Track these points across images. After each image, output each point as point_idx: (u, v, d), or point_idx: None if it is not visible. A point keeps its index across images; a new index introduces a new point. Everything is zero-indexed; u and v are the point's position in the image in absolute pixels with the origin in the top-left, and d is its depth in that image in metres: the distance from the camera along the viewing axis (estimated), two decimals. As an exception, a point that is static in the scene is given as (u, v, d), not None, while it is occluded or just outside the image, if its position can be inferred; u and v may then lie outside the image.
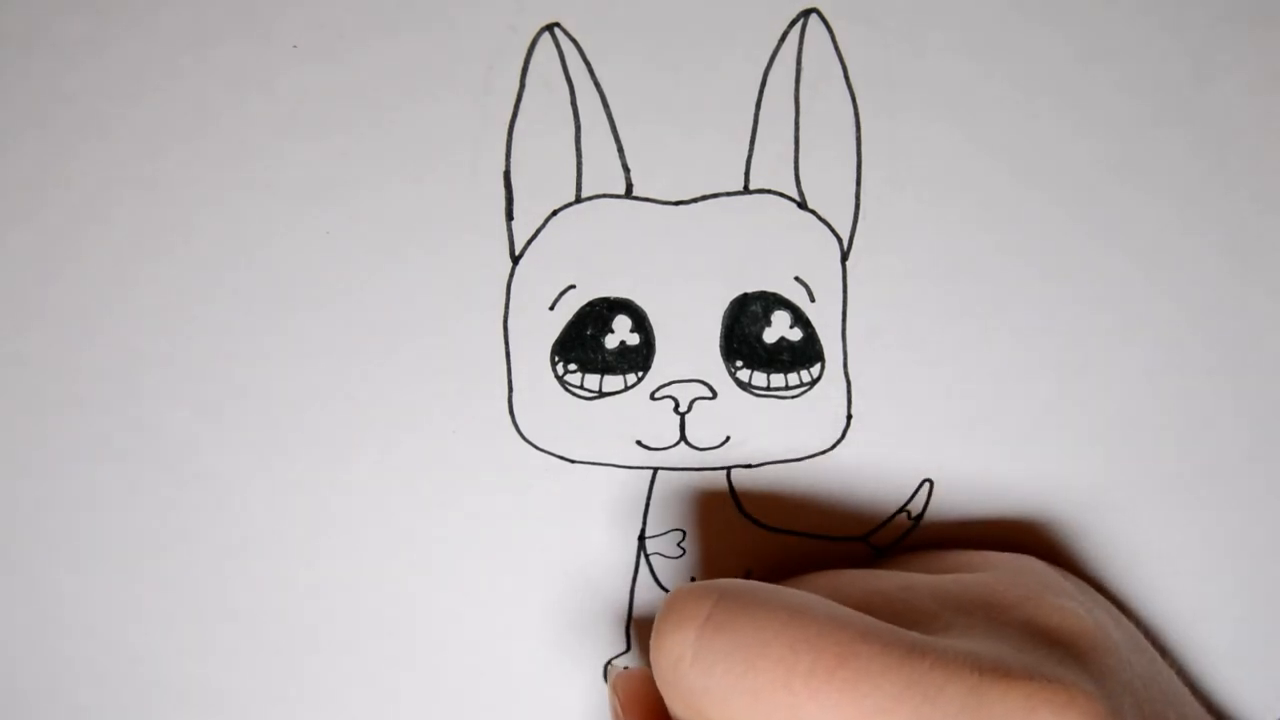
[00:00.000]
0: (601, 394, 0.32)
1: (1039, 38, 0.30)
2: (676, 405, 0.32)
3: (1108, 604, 0.31)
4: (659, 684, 0.26)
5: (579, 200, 0.31)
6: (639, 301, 0.31)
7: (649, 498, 0.33)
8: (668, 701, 0.26)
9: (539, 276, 0.31)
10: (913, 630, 0.25)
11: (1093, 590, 0.31)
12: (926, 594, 0.27)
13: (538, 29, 0.30)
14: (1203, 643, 0.33)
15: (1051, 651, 0.25)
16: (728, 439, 0.32)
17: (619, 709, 0.28)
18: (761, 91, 0.30)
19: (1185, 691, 0.30)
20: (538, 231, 0.31)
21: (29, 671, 0.34)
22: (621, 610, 0.34)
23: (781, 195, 0.31)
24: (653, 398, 0.32)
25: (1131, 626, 0.31)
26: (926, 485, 0.32)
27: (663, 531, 0.33)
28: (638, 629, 0.34)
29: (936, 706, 0.23)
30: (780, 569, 0.33)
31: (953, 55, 0.30)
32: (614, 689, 0.29)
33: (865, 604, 0.26)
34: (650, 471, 0.32)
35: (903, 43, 0.30)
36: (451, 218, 0.31)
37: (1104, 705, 0.23)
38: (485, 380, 0.32)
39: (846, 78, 0.30)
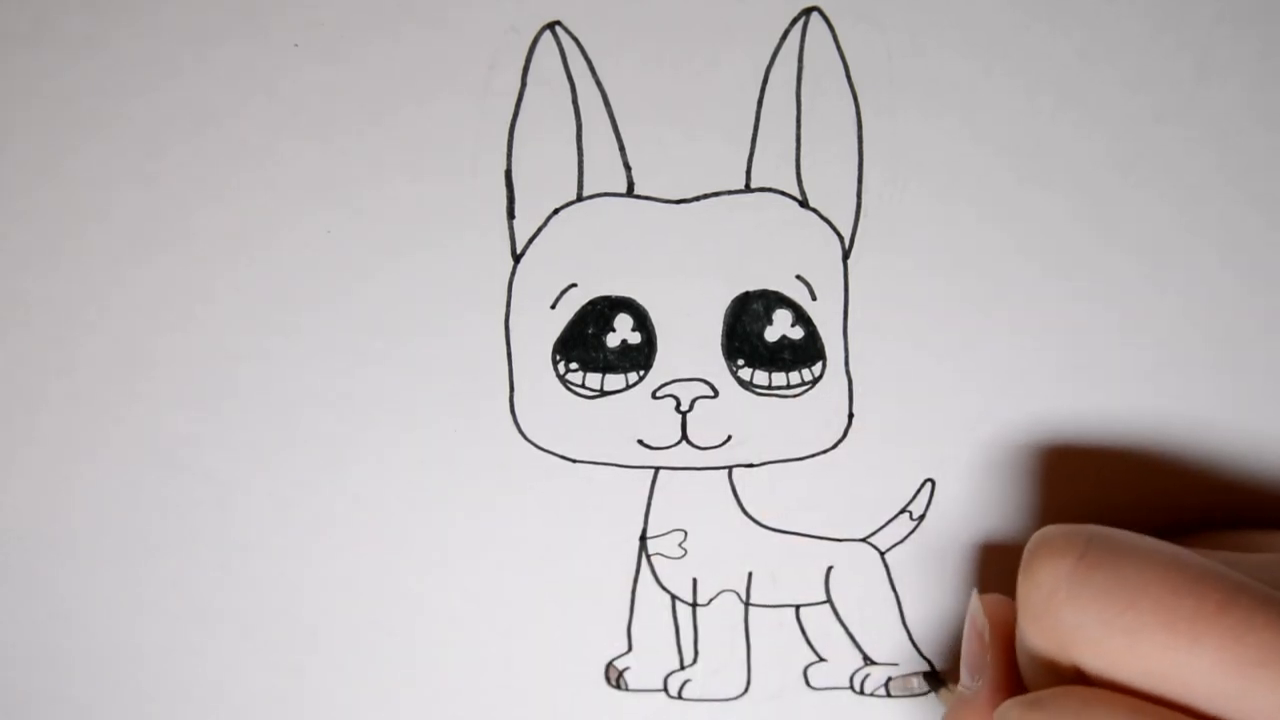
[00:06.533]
0: (603, 393, 0.32)
1: (1040, 35, 0.30)
2: (678, 404, 0.32)
3: None
4: (1024, 617, 0.26)
5: (580, 199, 0.31)
6: (640, 300, 0.31)
7: (650, 497, 0.33)
8: (1030, 635, 0.25)
9: (540, 275, 0.31)
10: None
11: None
12: (1254, 571, 0.26)
13: (539, 28, 0.30)
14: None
15: None
16: (729, 438, 0.32)
17: (988, 632, 0.28)
18: (763, 90, 0.30)
19: None
20: (539, 230, 0.31)
21: (29, 671, 0.34)
22: (622, 610, 0.34)
23: (783, 194, 0.31)
24: (654, 396, 0.32)
25: None
26: (928, 485, 0.32)
27: (664, 531, 0.33)
28: (639, 629, 0.34)
29: None
30: (782, 569, 0.33)
31: (954, 53, 0.30)
32: (983, 609, 0.28)
33: None
34: (651, 471, 0.32)
35: (904, 41, 0.30)
36: (452, 217, 0.31)
37: None
38: (486, 379, 0.32)
39: (848, 76, 0.30)
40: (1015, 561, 0.26)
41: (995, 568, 0.33)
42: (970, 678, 0.29)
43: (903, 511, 0.33)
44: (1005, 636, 0.28)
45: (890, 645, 0.34)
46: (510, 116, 0.31)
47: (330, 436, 0.33)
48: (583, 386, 0.32)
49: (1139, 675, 0.24)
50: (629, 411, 0.32)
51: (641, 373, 0.32)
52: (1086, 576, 0.24)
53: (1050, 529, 0.26)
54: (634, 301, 0.31)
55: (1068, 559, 0.25)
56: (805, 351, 0.32)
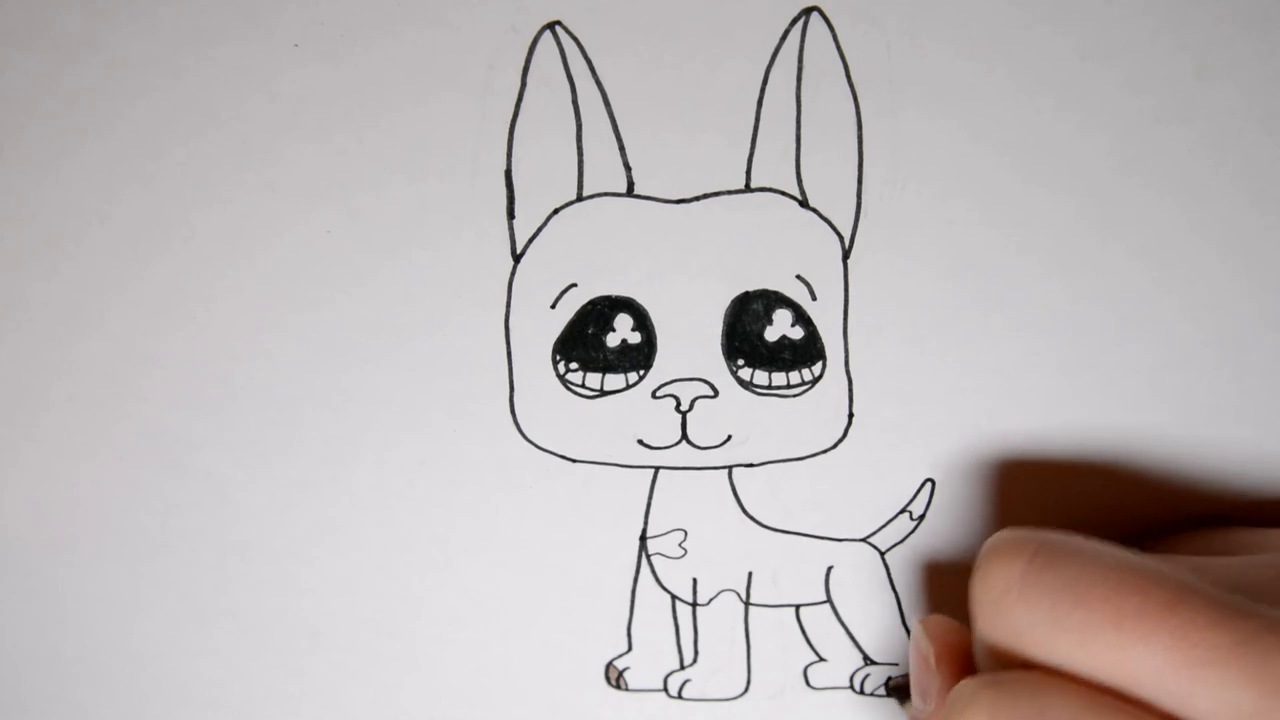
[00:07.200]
0: (603, 393, 0.32)
1: (1040, 35, 0.30)
2: (678, 404, 0.32)
3: None
4: (978, 619, 0.26)
5: (580, 199, 0.31)
6: (640, 300, 0.31)
7: (650, 497, 0.33)
8: (986, 638, 0.26)
9: (540, 275, 0.31)
10: None
11: None
12: (1219, 576, 0.26)
13: (539, 28, 0.30)
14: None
15: None
16: (729, 438, 0.32)
17: (932, 655, 0.28)
18: (763, 90, 0.30)
19: None
20: (539, 230, 0.31)
21: (29, 671, 0.34)
22: (622, 610, 0.34)
23: (783, 193, 0.31)
24: (654, 396, 0.32)
25: None
26: (928, 485, 0.32)
27: (664, 531, 0.33)
28: (639, 629, 0.34)
29: (1268, 670, 0.22)
30: (782, 569, 0.33)
31: (954, 53, 0.30)
32: (925, 633, 0.29)
33: None
34: (651, 471, 0.32)
35: (904, 41, 0.30)
36: (453, 217, 0.31)
37: None
38: (486, 379, 0.32)
39: (848, 76, 0.30)
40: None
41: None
42: (921, 701, 0.29)
43: (903, 511, 0.33)
44: (953, 658, 0.28)
45: (890, 645, 0.34)
46: (510, 116, 0.31)
47: (330, 436, 0.33)
48: (583, 386, 0.32)
49: (1090, 672, 0.24)
50: (629, 411, 0.32)
51: (641, 372, 0.32)
52: (1037, 578, 0.25)
53: (1002, 533, 0.26)
54: (634, 301, 0.31)
55: (1019, 561, 0.25)
56: (805, 351, 0.32)
